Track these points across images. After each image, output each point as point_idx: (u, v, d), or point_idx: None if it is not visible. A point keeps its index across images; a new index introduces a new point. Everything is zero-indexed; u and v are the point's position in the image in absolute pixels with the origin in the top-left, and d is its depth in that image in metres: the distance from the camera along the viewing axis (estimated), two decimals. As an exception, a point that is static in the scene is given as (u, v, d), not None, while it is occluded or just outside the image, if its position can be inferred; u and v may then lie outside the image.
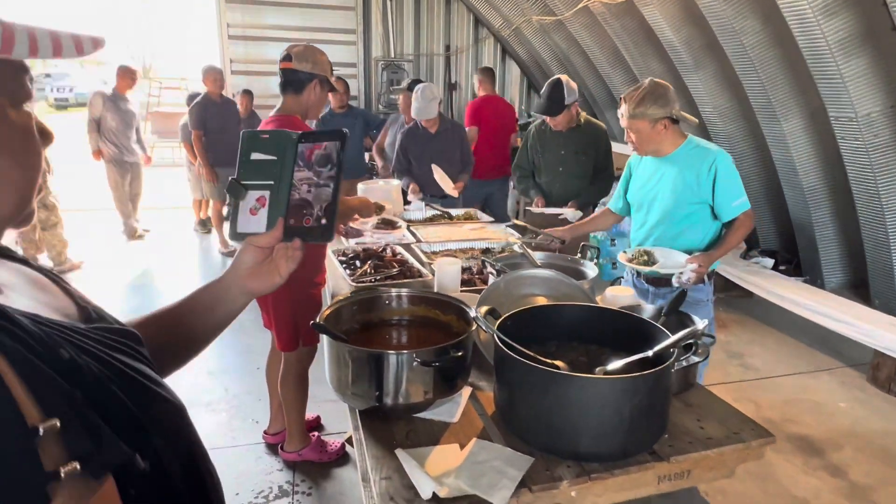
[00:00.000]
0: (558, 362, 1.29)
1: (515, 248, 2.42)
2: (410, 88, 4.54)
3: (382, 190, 3.43)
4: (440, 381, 1.34)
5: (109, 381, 0.51)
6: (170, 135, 10.57)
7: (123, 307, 3.99)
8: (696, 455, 1.28)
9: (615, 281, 2.48)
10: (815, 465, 2.73)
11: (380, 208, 2.70)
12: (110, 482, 0.46)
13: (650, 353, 1.28)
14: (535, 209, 3.48)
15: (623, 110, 2.23)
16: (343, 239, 2.69)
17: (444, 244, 2.79)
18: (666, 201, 2.28)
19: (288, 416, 2.58)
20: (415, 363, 1.28)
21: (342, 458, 2.67)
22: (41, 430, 0.41)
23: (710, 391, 1.56)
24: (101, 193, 6.63)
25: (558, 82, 3.30)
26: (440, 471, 1.19)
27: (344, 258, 2.45)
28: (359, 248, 2.54)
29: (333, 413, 2.93)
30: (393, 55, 7.93)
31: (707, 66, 4.47)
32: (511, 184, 5.03)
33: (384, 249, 2.55)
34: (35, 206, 0.59)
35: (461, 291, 2.00)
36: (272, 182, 0.89)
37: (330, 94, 4.88)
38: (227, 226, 0.92)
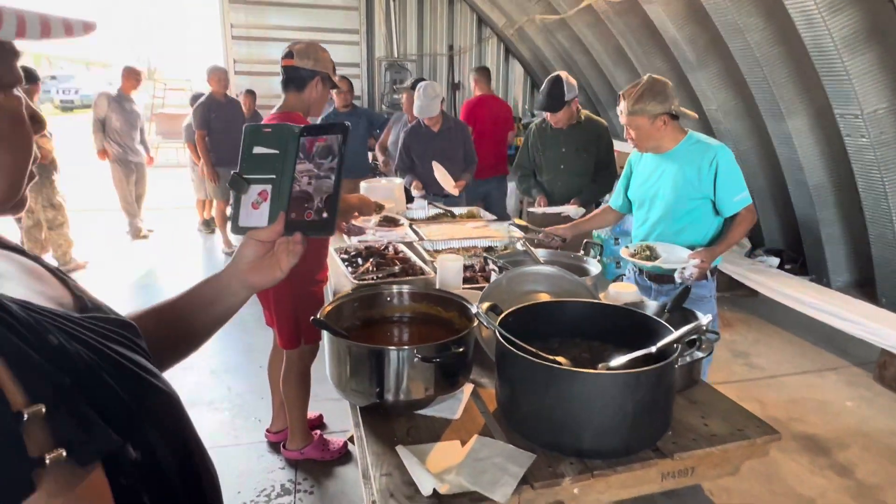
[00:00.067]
0: (560, 358, 1.28)
1: (518, 245, 2.41)
2: (414, 87, 4.54)
3: (385, 188, 3.42)
4: (441, 377, 1.33)
5: (101, 370, 0.50)
6: (174, 136, 10.62)
7: (127, 306, 3.95)
8: (701, 452, 1.26)
9: (617, 278, 2.47)
10: (821, 464, 2.71)
11: (379, 207, 2.69)
12: (99, 471, 0.45)
13: (653, 348, 1.27)
14: (537, 209, 3.46)
15: (622, 107, 2.23)
16: (345, 237, 2.69)
17: (447, 242, 2.78)
18: (667, 198, 2.27)
19: (290, 415, 2.58)
20: (416, 359, 1.28)
21: (344, 456, 2.66)
22: (26, 415, 0.40)
23: (715, 388, 1.55)
24: (105, 194, 6.65)
25: (557, 79, 3.29)
26: (441, 467, 1.18)
27: (346, 256, 2.44)
28: (361, 246, 2.54)
29: (336, 411, 2.93)
30: (396, 55, 7.93)
31: (711, 63, 4.44)
32: (509, 182, 5.06)
33: (386, 247, 2.55)
34: (27, 193, 0.58)
35: (463, 289, 1.99)
36: (274, 176, 0.89)
37: (334, 94, 4.95)
38: (230, 224, 0.92)
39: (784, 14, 3.38)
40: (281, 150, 0.89)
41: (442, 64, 8.25)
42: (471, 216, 3.49)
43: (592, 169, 3.48)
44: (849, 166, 3.71)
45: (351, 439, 2.70)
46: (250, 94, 6.15)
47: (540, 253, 2.22)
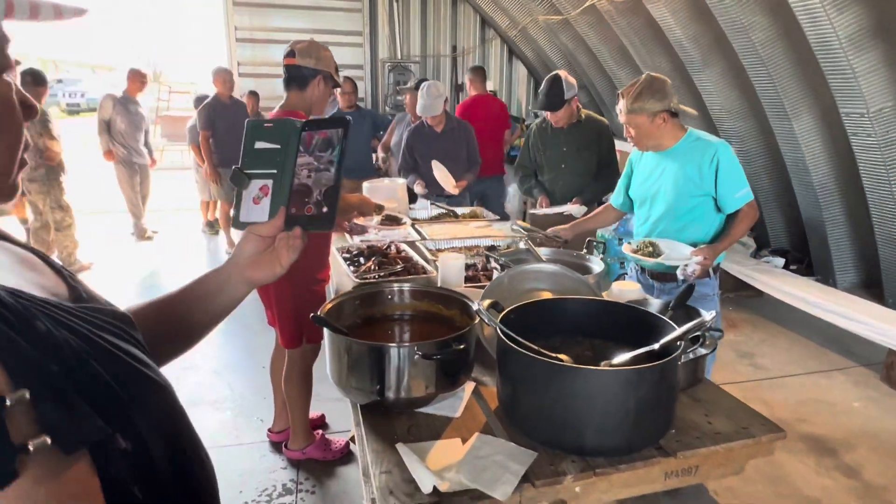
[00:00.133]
0: (562, 356, 1.27)
1: (520, 244, 2.40)
2: (417, 87, 4.55)
3: (388, 188, 3.41)
4: (442, 375, 1.32)
5: (91, 358, 0.49)
6: (179, 138, 10.68)
7: (131, 307, 3.98)
8: (704, 450, 1.25)
9: (620, 277, 2.45)
10: (827, 465, 2.68)
11: (379, 208, 2.69)
12: (86, 459, 0.44)
13: (656, 346, 1.25)
14: (538, 211, 3.45)
15: (621, 106, 2.22)
16: (347, 236, 2.68)
17: (449, 242, 2.77)
18: (669, 196, 2.26)
19: (292, 414, 2.57)
20: (416, 356, 1.27)
21: (346, 456, 2.65)
22: (9, 401, 0.39)
23: (719, 386, 1.53)
24: (110, 195, 6.68)
25: (557, 78, 3.28)
26: (441, 465, 1.17)
27: (348, 255, 2.44)
28: (363, 245, 2.53)
29: (338, 411, 2.92)
30: (399, 57, 7.94)
31: (715, 63, 4.42)
32: (506, 181, 5.04)
33: (388, 247, 2.54)
34: (19, 181, 0.57)
35: (465, 287, 1.98)
36: (275, 171, 0.89)
37: (339, 94, 4.96)
38: (232, 220, 0.92)
39: (788, 12, 3.36)
40: (282, 145, 0.89)
41: (445, 65, 8.25)
42: (473, 216, 3.48)
43: (594, 168, 3.47)
44: (855, 165, 3.68)
45: (353, 439, 2.70)
46: (253, 95, 6.17)
47: (542, 251, 2.20)
